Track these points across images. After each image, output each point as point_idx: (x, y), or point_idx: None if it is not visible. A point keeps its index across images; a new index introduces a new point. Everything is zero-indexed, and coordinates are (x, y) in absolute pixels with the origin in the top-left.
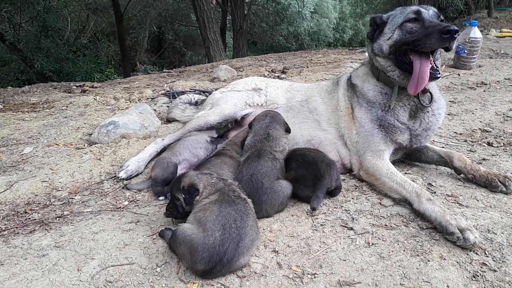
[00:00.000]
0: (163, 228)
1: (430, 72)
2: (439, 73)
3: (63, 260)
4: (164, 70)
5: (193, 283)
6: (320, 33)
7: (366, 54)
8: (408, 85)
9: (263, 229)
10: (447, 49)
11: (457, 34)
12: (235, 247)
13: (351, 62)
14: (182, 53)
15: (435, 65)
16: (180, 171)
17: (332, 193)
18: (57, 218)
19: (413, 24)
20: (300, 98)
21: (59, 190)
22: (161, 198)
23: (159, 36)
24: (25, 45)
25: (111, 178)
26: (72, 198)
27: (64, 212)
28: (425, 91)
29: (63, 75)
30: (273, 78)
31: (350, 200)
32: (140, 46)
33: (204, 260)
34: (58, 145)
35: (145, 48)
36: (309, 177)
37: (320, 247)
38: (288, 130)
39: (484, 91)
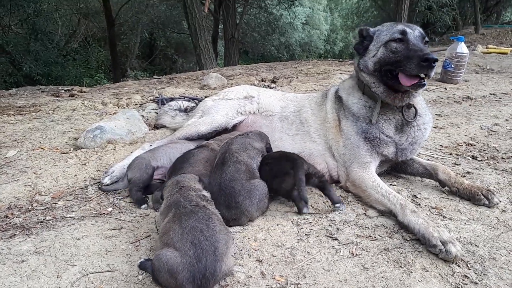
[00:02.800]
0: (142, 260)
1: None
2: (425, 81)
3: (42, 266)
4: (154, 77)
5: None
6: (311, 45)
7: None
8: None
9: (248, 238)
10: (426, 76)
11: (435, 63)
12: (212, 258)
13: (340, 73)
14: (173, 60)
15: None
16: (156, 177)
17: (318, 184)
18: (39, 223)
19: (397, 44)
20: (293, 109)
21: (42, 195)
22: (143, 206)
23: (151, 43)
24: (14, 47)
25: (96, 183)
26: (55, 203)
27: (46, 217)
28: (409, 106)
29: (52, 79)
30: (263, 87)
31: (335, 211)
32: (131, 52)
33: (189, 280)
34: (43, 149)
35: (136, 54)
36: (285, 164)
37: (304, 257)
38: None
39: (470, 105)
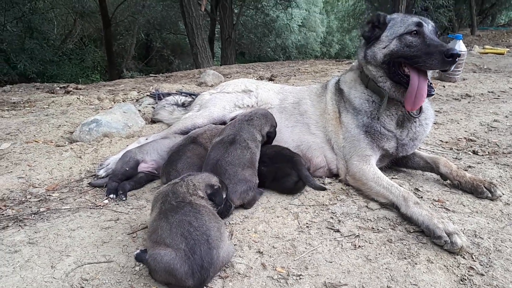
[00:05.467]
0: (138, 251)
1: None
2: (434, 90)
3: (36, 257)
4: (150, 75)
5: None
6: (307, 47)
7: (354, 64)
8: (405, 101)
9: (248, 230)
10: (445, 71)
11: (458, 58)
12: (207, 247)
13: (338, 71)
14: (170, 61)
15: (430, 82)
16: (146, 169)
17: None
18: (33, 215)
19: (413, 38)
20: (292, 100)
21: (36, 187)
22: (111, 196)
23: (147, 44)
24: (9, 45)
25: (91, 176)
26: (49, 195)
27: (40, 209)
28: None
29: (47, 78)
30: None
31: (336, 203)
32: (127, 53)
33: (188, 273)
34: (37, 142)
35: (132, 55)
36: (285, 165)
37: (306, 248)
38: (269, 138)
39: (469, 102)
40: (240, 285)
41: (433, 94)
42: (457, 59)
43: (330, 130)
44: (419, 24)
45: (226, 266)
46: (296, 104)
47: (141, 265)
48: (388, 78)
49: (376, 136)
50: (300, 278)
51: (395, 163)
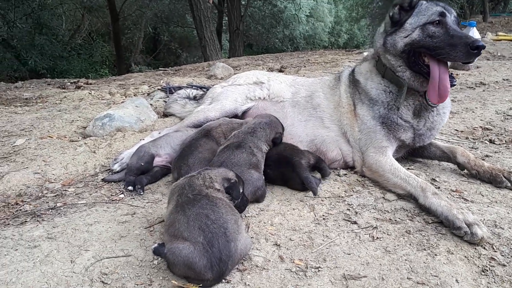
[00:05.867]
0: (156, 245)
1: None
2: (455, 80)
3: (55, 252)
4: (160, 68)
5: None
6: (316, 37)
7: (365, 53)
8: (429, 95)
9: (264, 223)
10: (468, 63)
11: (483, 50)
12: (224, 239)
13: (349, 62)
14: (177, 55)
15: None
16: (160, 163)
17: (320, 170)
18: (50, 210)
19: (436, 28)
20: (305, 94)
21: (52, 182)
22: (129, 188)
23: (154, 37)
24: (19, 41)
25: (106, 170)
26: (65, 190)
27: (57, 204)
28: None
29: (57, 73)
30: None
31: (352, 195)
32: (135, 47)
33: (207, 267)
34: (51, 137)
35: (140, 49)
36: (286, 169)
37: (323, 240)
38: (274, 143)
39: (484, 90)
40: (258, 278)
41: (455, 84)
42: (481, 52)
43: (345, 123)
44: (442, 14)
45: (244, 259)
46: (308, 97)
47: (159, 258)
48: (408, 68)
49: (393, 127)
50: (318, 270)
51: (410, 154)
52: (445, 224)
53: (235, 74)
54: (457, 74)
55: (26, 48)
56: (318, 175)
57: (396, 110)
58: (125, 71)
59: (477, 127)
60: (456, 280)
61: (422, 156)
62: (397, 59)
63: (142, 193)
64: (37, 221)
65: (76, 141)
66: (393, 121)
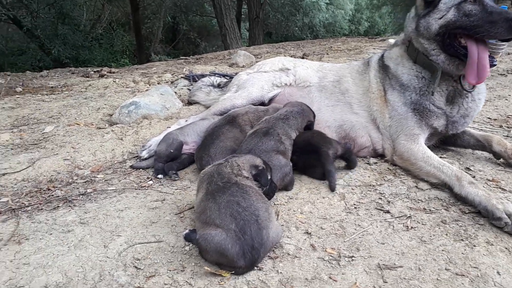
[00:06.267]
0: (187, 231)
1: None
2: (496, 60)
3: (88, 236)
4: (181, 57)
5: None
6: (335, 25)
7: (390, 41)
8: (467, 75)
9: (294, 211)
10: (509, 39)
11: None
12: (256, 227)
13: (374, 48)
14: (196, 44)
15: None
16: (188, 151)
17: (348, 161)
18: (81, 196)
19: (472, 6)
20: (332, 78)
21: (81, 169)
22: (159, 176)
23: (174, 27)
24: (42, 31)
25: (134, 157)
26: (95, 177)
27: (87, 190)
28: None
29: (80, 63)
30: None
31: (384, 183)
32: (155, 37)
33: (239, 254)
34: (79, 124)
35: (159, 39)
36: (311, 157)
37: (355, 230)
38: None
39: None
40: (291, 266)
41: (495, 64)
42: None
43: (375, 109)
44: None
45: (275, 246)
46: (336, 82)
47: (191, 245)
48: (442, 51)
49: (425, 113)
50: (352, 260)
51: (443, 142)
52: (483, 215)
53: (256, 62)
54: None
55: (50, 38)
56: (342, 164)
57: (429, 95)
58: (145, 60)
59: (511, 115)
60: (498, 272)
61: (455, 144)
62: (431, 43)
63: (177, 178)
64: (69, 206)
65: (103, 128)
66: (425, 107)
